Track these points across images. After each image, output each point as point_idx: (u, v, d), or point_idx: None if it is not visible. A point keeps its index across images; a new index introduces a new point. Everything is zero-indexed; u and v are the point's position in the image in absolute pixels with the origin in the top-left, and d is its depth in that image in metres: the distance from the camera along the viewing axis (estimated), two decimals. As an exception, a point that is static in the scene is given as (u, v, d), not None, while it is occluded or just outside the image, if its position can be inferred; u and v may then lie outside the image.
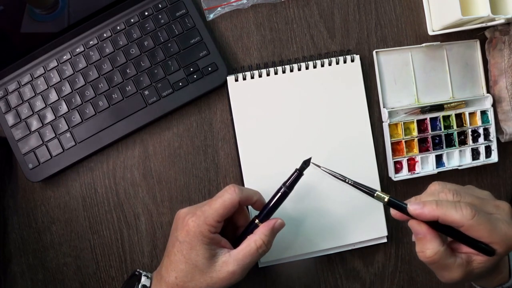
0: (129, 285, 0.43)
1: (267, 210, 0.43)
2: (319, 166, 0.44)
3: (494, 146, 0.55)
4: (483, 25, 0.50)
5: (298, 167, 0.44)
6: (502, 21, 0.48)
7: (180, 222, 0.42)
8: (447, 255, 0.37)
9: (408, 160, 0.54)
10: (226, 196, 0.41)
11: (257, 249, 0.41)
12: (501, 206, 0.39)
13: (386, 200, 0.40)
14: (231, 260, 0.40)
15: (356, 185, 0.42)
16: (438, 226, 0.38)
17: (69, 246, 0.54)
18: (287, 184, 0.43)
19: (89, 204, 0.54)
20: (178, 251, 0.41)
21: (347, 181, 0.42)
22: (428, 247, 0.37)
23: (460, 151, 0.55)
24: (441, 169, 0.54)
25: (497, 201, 0.39)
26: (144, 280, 0.43)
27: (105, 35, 0.53)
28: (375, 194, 0.41)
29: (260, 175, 0.52)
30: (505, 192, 0.57)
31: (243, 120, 0.53)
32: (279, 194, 0.43)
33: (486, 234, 0.36)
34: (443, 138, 0.54)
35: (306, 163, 0.44)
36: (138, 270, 0.44)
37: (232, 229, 0.45)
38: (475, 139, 0.55)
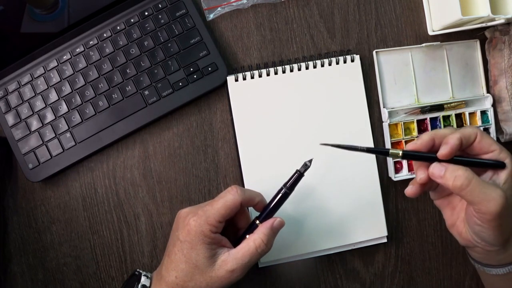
0: (128, 285, 0.43)
1: (267, 211, 0.43)
2: (327, 145, 0.42)
3: (494, 146, 0.55)
4: (483, 25, 0.50)
5: (299, 167, 0.44)
6: (502, 21, 0.48)
7: (181, 221, 0.42)
8: (475, 176, 0.38)
9: (408, 160, 0.54)
10: (228, 197, 0.41)
11: (256, 248, 0.41)
12: None
13: (400, 154, 0.40)
14: (230, 259, 0.40)
15: (369, 151, 0.42)
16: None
17: (69, 246, 0.54)
18: (287, 185, 0.43)
19: (89, 204, 0.54)
20: (179, 251, 0.41)
21: (359, 148, 0.41)
22: (458, 172, 0.38)
23: (460, 151, 0.55)
24: (441, 169, 0.54)
25: None
26: (143, 280, 0.43)
27: (105, 35, 0.53)
28: (390, 152, 0.41)
29: (260, 175, 0.52)
30: (505, 192, 0.57)
31: (243, 120, 0.53)
32: (280, 195, 0.43)
33: (494, 147, 0.39)
34: (443, 138, 0.54)
35: (307, 164, 0.44)
36: (137, 270, 0.44)
37: (233, 230, 0.45)
38: (475, 139, 0.55)
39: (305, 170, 0.44)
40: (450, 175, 0.38)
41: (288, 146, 0.53)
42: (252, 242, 0.41)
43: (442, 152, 0.39)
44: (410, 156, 0.41)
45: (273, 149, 0.52)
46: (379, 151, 0.45)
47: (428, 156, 0.40)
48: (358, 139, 0.53)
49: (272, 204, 0.43)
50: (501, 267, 0.43)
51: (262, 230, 0.41)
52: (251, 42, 0.55)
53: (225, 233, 0.43)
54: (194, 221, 0.40)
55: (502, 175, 0.39)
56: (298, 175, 0.43)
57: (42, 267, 0.54)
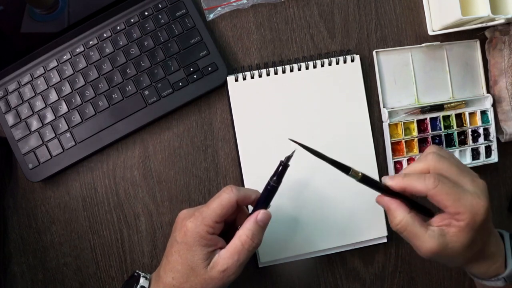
0: (127, 287, 0.43)
1: (257, 207, 0.42)
2: (295, 142, 0.42)
3: (494, 146, 0.55)
4: (483, 25, 0.50)
5: (282, 159, 0.43)
6: (502, 21, 0.48)
7: (179, 223, 0.41)
8: (414, 223, 0.39)
9: (408, 160, 0.54)
10: (224, 196, 0.41)
11: (242, 244, 0.40)
12: (477, 181, 0.40)
13: (360, 175, 0.41)
14: (220, 259, 0.40)
15: (333, 163, 0.41)
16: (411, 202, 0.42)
17: (69, 246, 0.54)
18: (274, 178, 0.42)
19: (89, 204, 0.54)
20: (176, 252, 0.41)
21: (325, 158, 0.41)
22: (395, 215, 0.40)
23: (460, 151, 0.55)
24: (441, 169, 0.54)
25: (476, 177, 0.41)
26: (142, 282, 0.43)
27: (105, 35, 0.53)
28: (350, 172, 0.41)
29: (260, 175, 0.52)
30: (505, 192, 0.57)
31: (243, 120, 0.53)
32: (268, 189, 0.42)
33: (449, 203, 0.38)
34: (443, 138, 0.54)
35: (290, 154, 0.43)
36: (137, 271, 0.44)
37: (234, 232, 0.45)
38: (475, 139, 0.55)
39: (288, 160, 0.42)
40: (392, 215, 0.41)
41: (288, 146, 0.52)
42: (237, 239, 0.40)
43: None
44: (368, 181, 0.42)
45: (273, 149, 0.52)
46: (340, 166, 0.42)
47: (379, 187, 0.42)
48: (358, 139, 0.53)
49: (262, 200, 0.42)
50: (487, 280, 0.44)
51: (246, 226, 0.41)
52: (251, 42, 0.55)
53: (227, 235, 0.43)
54: (191, 223, 0.40)
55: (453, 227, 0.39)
56: (283, 167, 0.42)
57: (42, 267, 0.54)
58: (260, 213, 0.41)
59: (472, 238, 0.39)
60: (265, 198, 0.42)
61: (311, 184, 0.52)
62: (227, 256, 0.40)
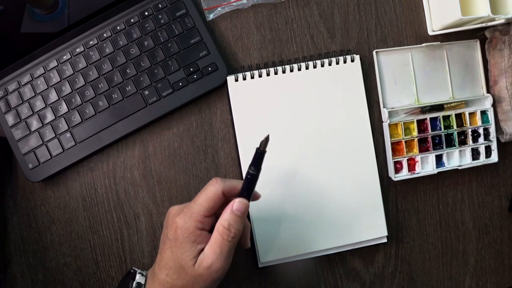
0: (124, 284, 0.43)
1: (239, 197, 0.41)
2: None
3: (494, 146, 0.55)
4: (483, 25, 0.50)
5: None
6: (502, 21, 0.48)
7: (170, 219, 0.41)
8: None
9: (408, 160, 0.54)
10: (209, 189, 0.41)
11: (221, 235, 0.40)
12: None
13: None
14: (205, 256, 0.40)
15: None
16: None
17: (69, 246, 0.54)
18: (252, 166, 0.41)
19: (89, 204, 0.54)
20: (168, 249, 0.41)
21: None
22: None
23: (460, 151, 0.55)
24: (441, 169, 0.54)
25: None
26: (138, 278, 0.43)
27: (105, 35, 0.53)
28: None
29: (261, 175, 0.52)
30: (505, 192, 0.57)
31: (243, 120, 0.53)
32: (248, 178, 0.41)
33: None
34: (443, 138, 0.54)
35: (265, 141, 0.42)
36: (133, 268, 0.44)
37: None
38: (475, 139, 0.55)
39: (263, 146, 0.41)
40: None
41: (288, 146, 0.53)
42: (216, 231, 0.40)
43: None
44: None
45: (273, 149, 0.52)
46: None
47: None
48: (358, 139, 0.53)
49: (243, 189, 0.41)
50: None
51: (223, 217, 0.40)
52: (251, 42, 0.55)
53: None
54: (180, 219, 0.40)
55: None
56: (259, 154, 0.41)
57: (42, 267, 0.54)
58: (236, 202, 0.41)
59: None
60: (246, 188, 0.42)
61: (312, 184, 0.52)
62: (210, 251, 0.40)
